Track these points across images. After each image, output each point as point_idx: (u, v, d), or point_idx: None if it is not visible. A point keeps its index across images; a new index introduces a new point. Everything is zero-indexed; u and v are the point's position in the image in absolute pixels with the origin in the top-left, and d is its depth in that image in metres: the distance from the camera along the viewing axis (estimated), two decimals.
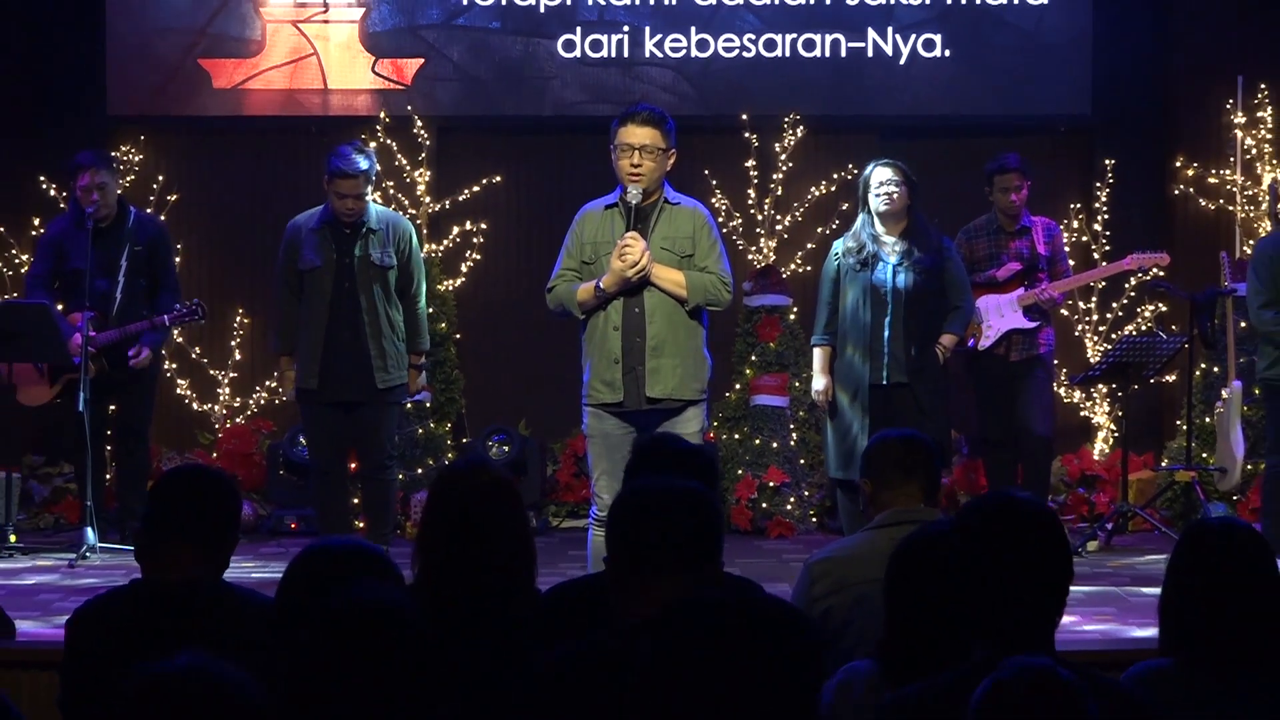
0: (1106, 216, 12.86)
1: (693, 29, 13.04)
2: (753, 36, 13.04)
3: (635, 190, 8.50)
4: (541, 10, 13.07)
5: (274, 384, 12.24)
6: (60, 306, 11.11)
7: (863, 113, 13.12)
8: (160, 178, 12.95)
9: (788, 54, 13.03)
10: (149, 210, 12.21)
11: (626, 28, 13.06)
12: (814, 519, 12.32)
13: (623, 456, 8.48)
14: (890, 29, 13.02)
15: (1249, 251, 11.39)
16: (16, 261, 12.30)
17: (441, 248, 12.63)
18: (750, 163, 12.93)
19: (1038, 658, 3.47)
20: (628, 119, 8.66)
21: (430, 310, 10.66)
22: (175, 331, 12.26)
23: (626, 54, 13.08)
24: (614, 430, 8.55)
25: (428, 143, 12.93)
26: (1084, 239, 12.73)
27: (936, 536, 4.53)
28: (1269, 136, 12.77)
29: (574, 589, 5.20)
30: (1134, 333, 12.57)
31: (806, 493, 12.36)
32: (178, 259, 12.00)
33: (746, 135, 12.94)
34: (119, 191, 11.38)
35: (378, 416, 10.14)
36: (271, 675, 3.44)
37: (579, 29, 13.06)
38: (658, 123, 8.57)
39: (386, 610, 3.56)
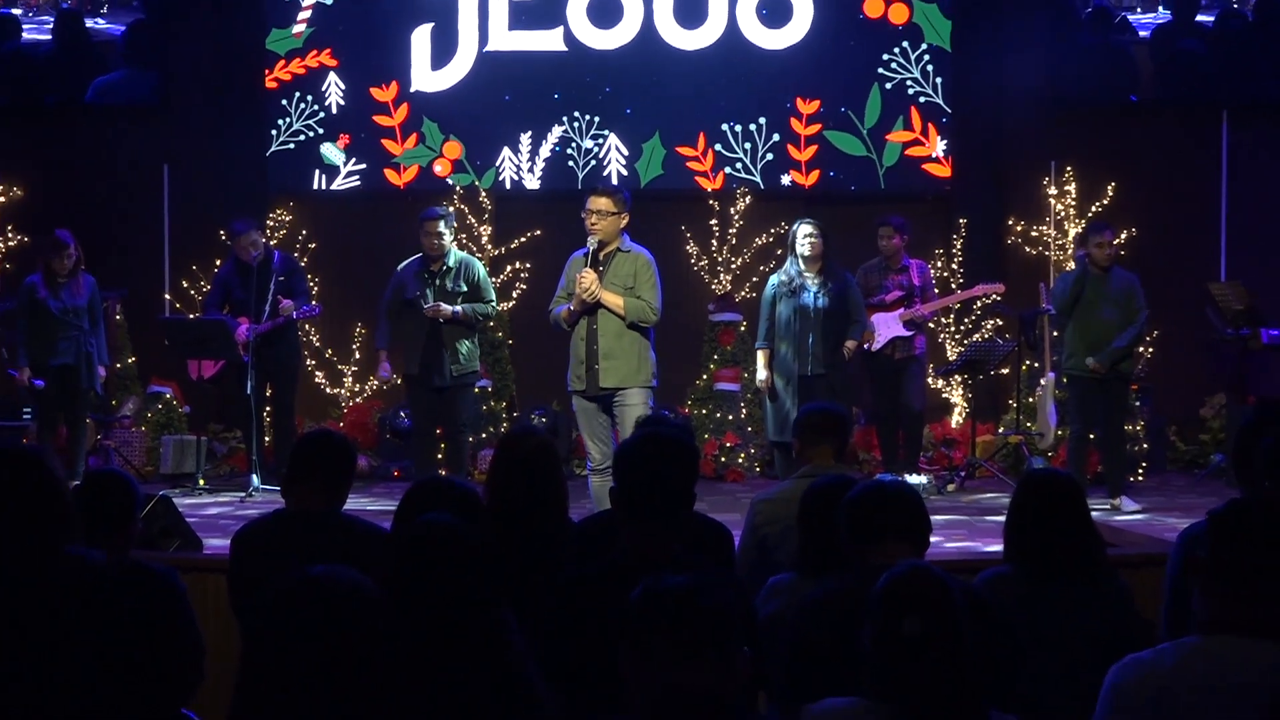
0: (960, 259, 12.83)
1: None
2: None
3: (593, 240, 8.75)
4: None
5: (383, 373, 12.19)
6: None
7: (791, 187, 13.04)
8: (304, 232, 12.90)
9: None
10: (295, 254, 12.21)
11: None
12: (758, 469, 12.33)
13: (600, 424, 8.79)
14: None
15: None
16: (205, 289, 12.22)
17: (499, 280, 12.57)
18: (713, 221, 12.87)
19: (920, 560, 3.46)
20: (591, 191, 8.98)
21: (491, 324, 10.70)
22: (309, 330, 12.46)
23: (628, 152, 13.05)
24: (587, 407, 8.85)
25: (489, 207, 12.87)
26: (945, 275, 12.68)
27: (833, 486, 4.56)
28: (1073, 204, 12.74)
29: (597, 521, 5.21)
30: (980, 339, 12.54)
31: (753, 450, 12.36)
32: (315, 289, 12.02)
33: (711, 202, 12.89)
34: (265, 240, 11.47)
35: (455, 396, 10.25)
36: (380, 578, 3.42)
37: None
38: (612, 194, 8.93)
39: (452, 529, 3.53)
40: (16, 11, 12.58)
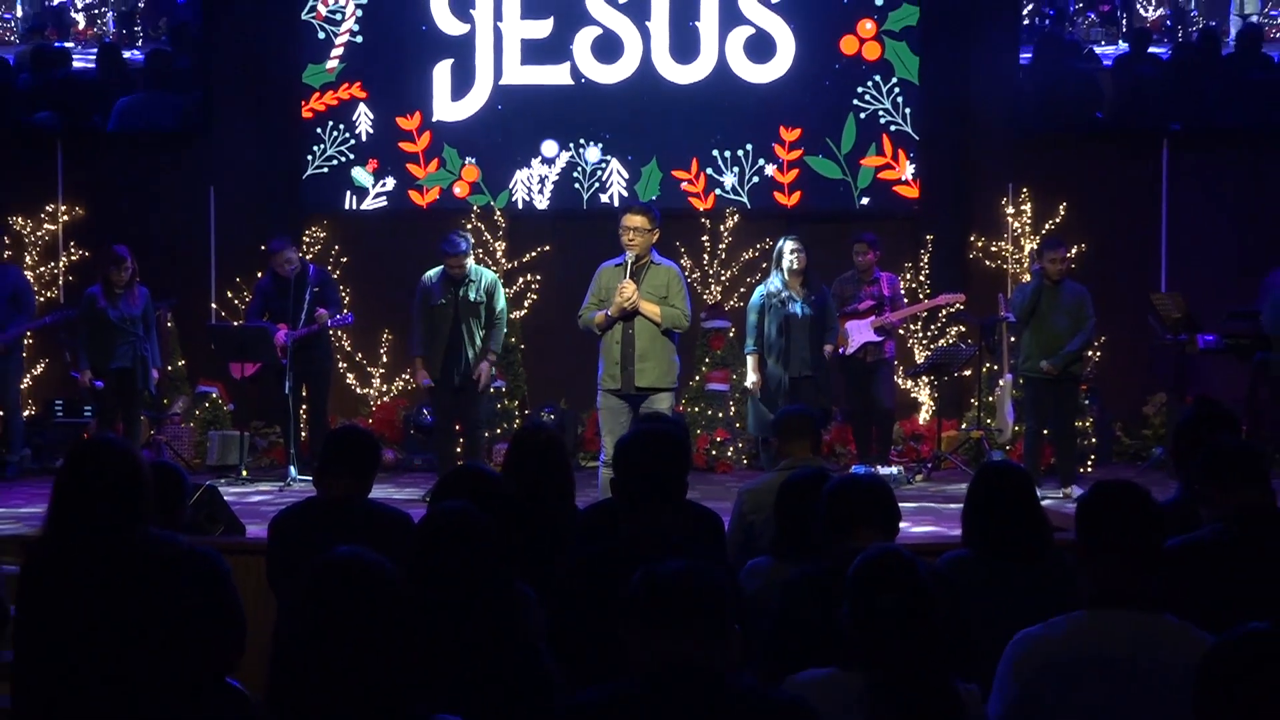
0: (927, 271, 12.82)
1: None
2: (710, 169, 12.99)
3: (630, 254, 8.71)
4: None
5: (408, 375, 12.19)
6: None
7: (773, 206, 13.03)
8: (336, 247, 12.90)
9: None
10: (328, 268, 12.20)
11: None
12: (745, 461, 12.29)
13: (621, 422, 8.67)
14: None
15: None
16: (247, 299, 12.20)
17: (512, 291, 12.56)
18: (705, 238, 12.87)
19: (891, 545, 3.48)
20: (627, 210, 9.00)
21: (505, 330, 10.68)
22: (341, 336, 12.44)
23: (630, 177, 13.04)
24: (615, 405, 8.75)
25: (503, 225, 12.87)
26: (914, 286, 12.67)
27: (809, 478, 4.57)
28: (1028, 222, 12.74)
29: (600, 509, 5.24)
30: (945, 344, 12.54)
31: (740, 445, 12.33)
32: (346, 299, 12.03)
33: (703, 220, 12.89)
34: (300, 255, 11.48)
35: (473, 396, 10.25)
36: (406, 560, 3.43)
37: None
38: (645, 212, 8.82)
39: (465, 516, 3.54)
40: (69, 45, 12.55)
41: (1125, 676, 3.28)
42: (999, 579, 4.31)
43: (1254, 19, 12.15)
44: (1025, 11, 12.34)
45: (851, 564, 3.32)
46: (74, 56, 13.21)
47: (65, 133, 13.03)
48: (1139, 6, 12.21)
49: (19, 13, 11.88)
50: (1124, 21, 12.18)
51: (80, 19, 12.11)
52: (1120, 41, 12.27)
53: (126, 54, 13.23)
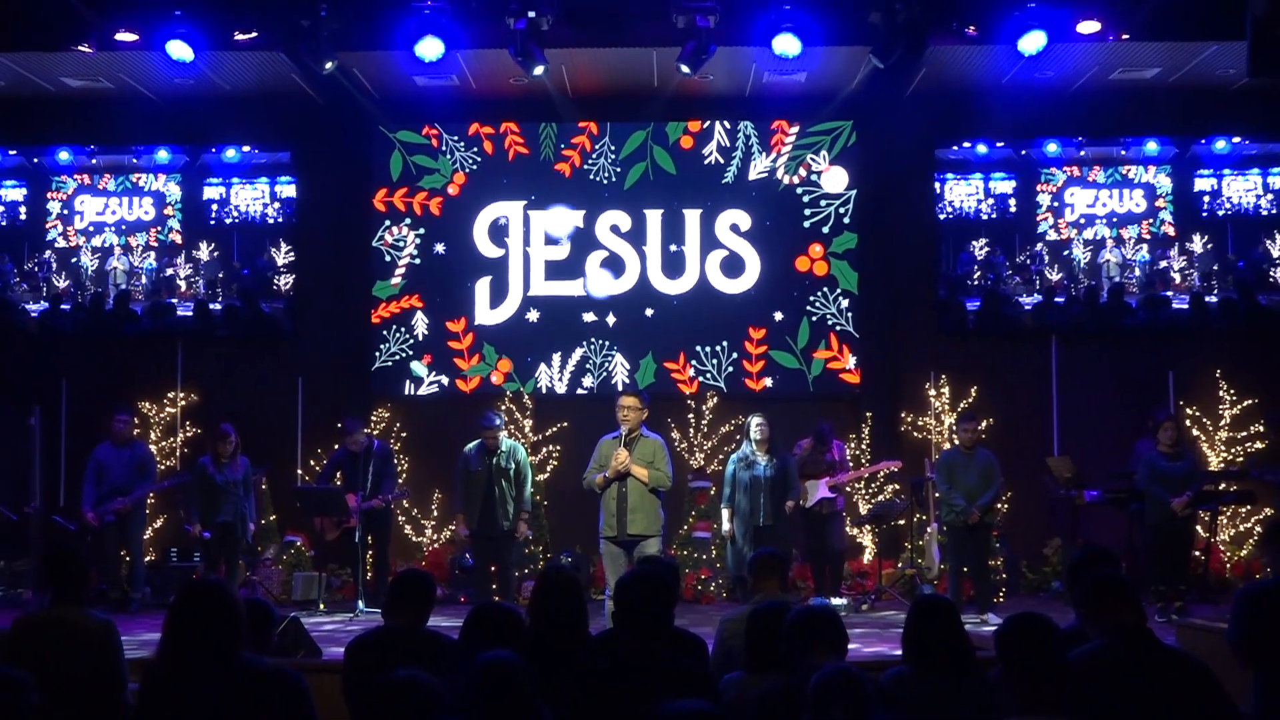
0: (868, 441, 12.82)
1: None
2: (696, 362, 13.08)
3: (624, 429, 8.82)
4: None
5: (453, 527, 12.11)
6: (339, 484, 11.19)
7: (745, 390, 13.08)
8: (398, 425, 12.92)
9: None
10: (390, 440, 12.20)
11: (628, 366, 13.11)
12: (724, 595, 12.13)
13: (620, 564, 8.63)
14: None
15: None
16: (324, 462, 12.19)
17: (537, 459, 12.56)
18: (691, 416, 12.90)
19: (842, 663, 3.44)
20: (621, 393, 9.16)
21: (532, 489, 10.65)
22: (404, 501, 12.28)
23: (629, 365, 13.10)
24: (614, 551, 8.75)
25: (530, 406, 12.91)
26: (858, 453, 12.67)
27: (774, 609, 4.53)
28: (947, 402, 12.79)
29: (606, 635, 5.18)
30: (883, 499, 12.49)
31: (721, 581, 12.20)
32: (405, 466, 12.00)
33: (689, 402, 12.93)
34: (369, 433, 11.46)
35: (505, 543, 10.16)
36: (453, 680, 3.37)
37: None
38: (637, 394, 8.94)
39: (509, 664, 3.48)
40: (174, 301, 13.23)
41: None
42: (933, 690, 4.25)
43: (1117, 279, 13.01)
44: (975, 276, 13.05)
45: (809, 680, 3.29)
46: (178, 309, 13.58)
47: (185, 337, 13.17)
48: (1046, 272, 13.10)
49: (143, 280, 13.02)
50: (1037, 282, 13.08)
51: (182, 284, 13.25)
52: (1035, 294, 13.08)
53: (213, 306, 13.66)
